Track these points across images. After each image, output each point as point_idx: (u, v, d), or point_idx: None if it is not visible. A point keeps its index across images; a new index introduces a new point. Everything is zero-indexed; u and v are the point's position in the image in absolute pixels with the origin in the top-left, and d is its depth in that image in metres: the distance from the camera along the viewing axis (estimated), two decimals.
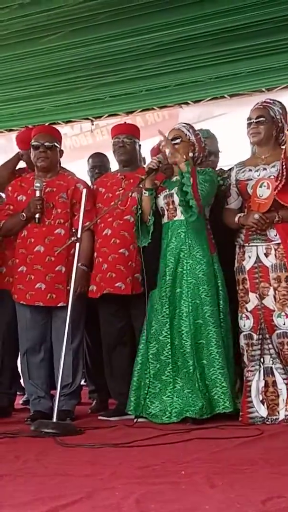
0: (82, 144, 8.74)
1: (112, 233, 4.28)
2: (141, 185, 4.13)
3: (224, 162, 4.71)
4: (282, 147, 4.08)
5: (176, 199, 4.11)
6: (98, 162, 5.28)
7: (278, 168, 3.93)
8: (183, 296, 4.03)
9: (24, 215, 4.22)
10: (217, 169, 4.62)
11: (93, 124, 8.64)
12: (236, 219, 4.05)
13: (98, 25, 5.84)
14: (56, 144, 4.35)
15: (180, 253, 4.08)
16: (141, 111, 8.37)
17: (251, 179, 4.04)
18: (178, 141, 4.16)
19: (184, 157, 4.07)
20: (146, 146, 4.88)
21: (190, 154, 4.16)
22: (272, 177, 3.94)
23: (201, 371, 3.92)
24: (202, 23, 5.86)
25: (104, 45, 6.26)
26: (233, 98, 7.94)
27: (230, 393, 3.91)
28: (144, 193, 4.14)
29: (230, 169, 4.28)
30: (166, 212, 4.18)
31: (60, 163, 4.54)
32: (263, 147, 4.09)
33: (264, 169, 4.03)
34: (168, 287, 4.08)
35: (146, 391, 4.01)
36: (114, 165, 4.82)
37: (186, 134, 4.20)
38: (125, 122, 5.01)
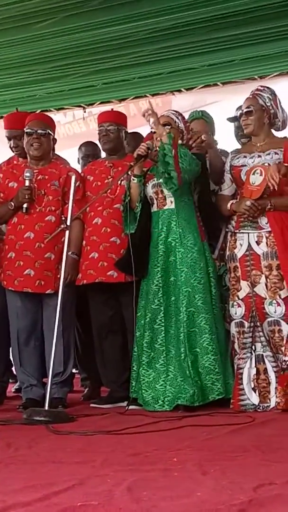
0: (75, 131, 8.70)
1: (102, 222, 4.26)
2: (129, 172, 4.12)
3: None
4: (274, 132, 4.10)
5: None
6: (91, 151, 5.26)
7: (273, 156, 3.96)
8: (177, 284, 4.04)
9: (13, 204, 4.21)
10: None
11: (85, 111, 8.60)
12: (229, 205, 4.05)
13: (91, 11, 5.80)
14: (49, 131, 4.32)
15: (172, 242, 4.08)
16: (133, 98, 8.33)
17: (245, 166, 4.04)
18: (167, 128, 4.15)
19: (167, 130, 4.06)
20: (142, 132, 4.86)
21: (179, 142, 4.16)
22: (266, 164, 3.94)
23: (192, 359, 3.93)
24: (195, 10, 5.84)
25: (97, 32, 6.22)
26: (226, 86, 7.93)
27: (223, 378, 3.93)
28: (133, 179, 4.13)
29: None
30: (155, 201, 4.17)
31: (54, 150, 4.51)
32: (258, 136, 4.10)
33: (259, 156, 4.03)
34: (161, 276, 4.07)
35: (140, 379, 4.02)
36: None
37: (175, 121, 4.20)
38: (112, 109, 4.97)
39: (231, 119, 4.40)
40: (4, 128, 4.73)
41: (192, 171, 4.02)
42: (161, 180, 4.08)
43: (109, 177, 4.35)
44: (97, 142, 4.93)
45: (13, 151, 4.65)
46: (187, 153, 4.00)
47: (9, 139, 4.64)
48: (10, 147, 4.68)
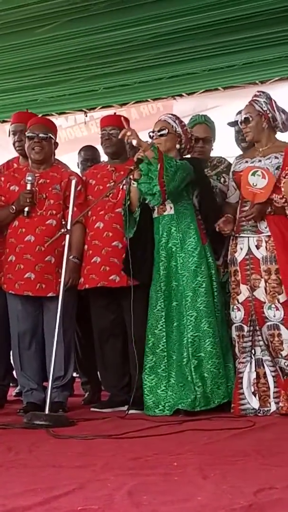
0: (77, 136, 8.72)
1: (104, 226, 4.26)
2: (130, 176, 4.12)
3: (218, 154, 4.71)
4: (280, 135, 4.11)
5: None
6: (90, 155, 5.27)
7: (272, 160, 3.97)
8: (178, 289, 4.04)
9: (14, 207, 4.22)
10: (215, 157, 4.62)
11: (86, 116, 8.61)
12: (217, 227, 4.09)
13: (92, 16, 5.82)
14: (51, 135, 4.33)
15: (172, 248, 4.08)
16: (135, 103, 8.35)
17: None
18: (164, 132, 4.15)
19: (149, 142, 4.06)
20: (142, 138, 4.84)
21: (177, 146, 4.16)
22: (266, 168, 3.94)
23: (196, 364, 3.93)
24: (197, 15, 5.86)
25: (99, 36, 6.24)
26: (227, 91, 7.94)
27: (227, 381, 3.94)
28: (133, 183, 4.13)
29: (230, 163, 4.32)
30: (155, 207, 4.17)
31: (54, 155, 4.52)
32: (259, 141, 4.11)
33: (260, 161, 4.04)
34: (163, 282, 4.08)
35: (143, 384, 4.03)
36: (105, 158, 4.79)
37: (172, 126, 4.19)
38: (115, 113, 4.98)
39: (232, 124, 4.42)
40: (11, 124, 4.75)
41: (179, 179, 3.96)
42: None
43: (111, 181, 4.36)
44: (96, 146, 4.95)
45: (15, 147, 4.64)
46: (172, 163, 3.95)
47: (14, 133, 4.64)
48: (13, 143, 4.67)
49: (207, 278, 4.04)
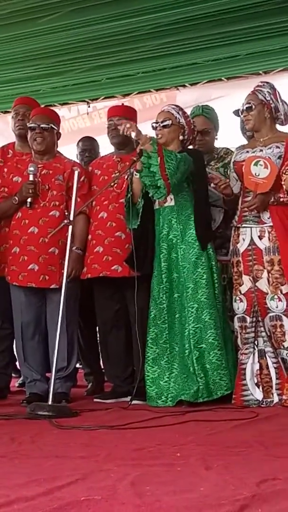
0: (80, 126, 8.70)
1: (108, 216, 4.26)
2: (132, 167, 4.11)
3: (223, 144, 4.69)
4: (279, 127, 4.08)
5: None
6: (89, 146, 5.26)
7: (274, 150, 3.96)
8: (180, 281, 4.03)
9: (17, 198, 4.21)
10: (222, 148, 4.60)
11: (89, 106, 8.59)
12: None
13: (95, 6, 5.80)
14: (53, 126, 4.31)
15: (173, 239, 4.07)
16: (138, 93, 8.33)
17: None
18: (167, 123, 4.13)
19: (148, 136, 4.05)
20: (144, 129, 4.84)
21: (180, 137, 4.15)
22: (268, 157, 3.93)
23: (198, 356, 3.93)
24: (200, 4, 5.83)
25: (102, 27, 6.21)
26: (230, 81, 7.91)
27: (229, 373, 3.93)
28: (135, 174, 4.11)
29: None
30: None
31: (57, 146, 4.50)
32: (259, 131, 4.09)
33: (261, 150, 4.03)
34: (164, 273, 4.07)
35: (145, 375, 4.03)
36: (105, 149, 4.77)
37: (176, 117, 4.16)
38: (122, 104, 4.96)
39: (236, 112, 4.39)
40: (13, 106, 4.69)
41: (181, 172, 3.96)
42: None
43: (116, 171, 4.34)
44: (99, 137, 4.93)
45: (15, 127, 4.57)
46: (173, 156, 3.94)
47: (17, 113, 4.59)
48: (14, 123, 4.60)
49: (208, 269, 4.03)
